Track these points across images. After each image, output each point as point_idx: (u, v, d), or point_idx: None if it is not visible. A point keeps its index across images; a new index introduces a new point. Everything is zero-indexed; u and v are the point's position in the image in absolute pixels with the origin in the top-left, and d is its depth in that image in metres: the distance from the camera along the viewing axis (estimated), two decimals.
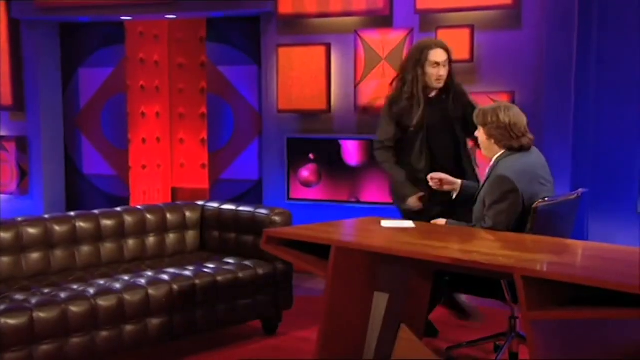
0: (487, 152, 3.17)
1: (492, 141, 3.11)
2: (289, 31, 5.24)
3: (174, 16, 5.56)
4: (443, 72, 3.51)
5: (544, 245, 2.76)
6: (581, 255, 2.64)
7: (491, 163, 3.15)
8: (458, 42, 4.66)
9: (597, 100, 4.44)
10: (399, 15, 4.91)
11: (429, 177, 3.37)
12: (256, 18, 5.37)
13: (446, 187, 3.37)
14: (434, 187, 3.38)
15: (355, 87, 5.03)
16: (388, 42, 4.90)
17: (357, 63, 5.00)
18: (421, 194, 3.49)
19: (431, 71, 3.50)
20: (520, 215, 2.96)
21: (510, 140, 3.07)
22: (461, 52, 4.66)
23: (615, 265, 2.53)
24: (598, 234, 4.18)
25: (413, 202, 3.51)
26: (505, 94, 4.55)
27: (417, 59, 3.52)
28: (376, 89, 4.97)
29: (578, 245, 2.77)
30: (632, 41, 4.40)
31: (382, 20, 4.96)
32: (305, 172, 5.17)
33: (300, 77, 5.16)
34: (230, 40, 5.54)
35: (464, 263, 2.54)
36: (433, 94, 3.57)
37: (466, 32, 4.65)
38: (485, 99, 4.69)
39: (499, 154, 3.11)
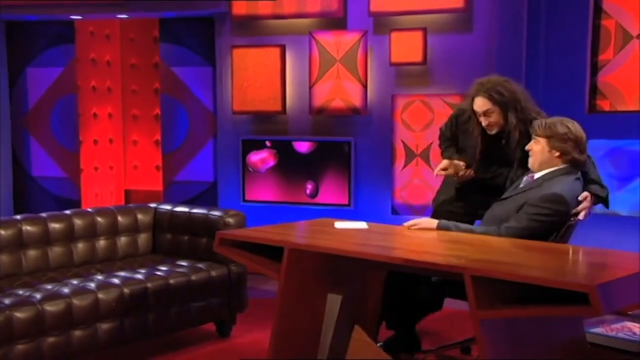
0: (541, 166, 2.98)
1: (555, 154, 2.94)
2: (243, 32, 5.21)
3: (126, 16, 5.47)
4: (486, 121, 3.19)
5: (494, 245, 2.80)
6: (530, 255, 2.69)
7: (542, 173, 2.99)
8: (411, 45, 4.73)
9: (545, 100, 4.55)
10: (352, 17, 4.94)
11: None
12: (210, 19, 5.33)
13: (461, 174, 3.29)
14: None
15: (310, 88, 5.04)
16: (342, 44, 4.93)
17: (312, 65, 5.01)
18: (461, 164, 3.32)
19: (477, 117, 3.22)
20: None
21: (579, 155, 2.94)
22: (414, 55, 4.72)
23: (562, 264, 2.59)
24: None
25: (444, 164, 3.35)
26: (457, 95, 4.61)
27: (470, 103, 3.24)
28: (331, 91, 4.99)
29: (527, 245, 2.82)
30: (580, 44, 4.52)
31: (336, 22, 4.98)
32: (255, 157, 5.15)
33: (254, 78, 5.15)
34: (184, 41, 5.48)
35: (415, 264, 2.57)
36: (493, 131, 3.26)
37: (419, 35, 4.70)
38: (438, 101, 4.76)
39: (555, 168, 2.96)
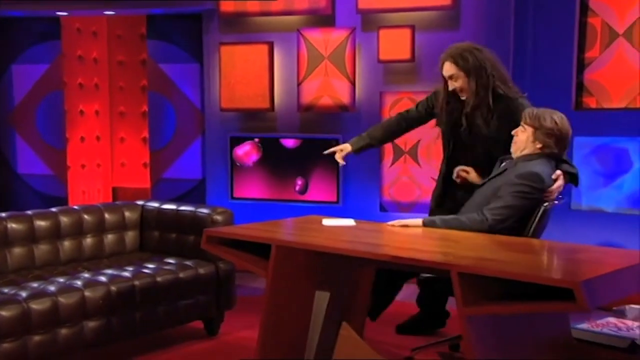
0: (520, 151, 3.05)
1: (537, 145, 3.00)
2: (231, 29, 5.20)
3: (113, 12, 5.44)
4: (452, 86, 3.26)
5: (481, 242, 2.81)
6: (516, 251, 2.70)
7: (517, 155, 3.05)
8: (399, 42, 4.73)
9: (532, 97, 4.58)
10: (340, 14, 4.94)
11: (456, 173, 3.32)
12: (197, 15, 5.31)
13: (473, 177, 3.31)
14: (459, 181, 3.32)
15: (298, 85, 5.03)
16: (330, 41, 4.92)
17: (300, 62, 5.00)
18: (346, 151, 3.54)
19: (448, 83, 3.28)
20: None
21: (560, 151, 3.01)
22: (402, 52, 4.73)
23: (548, 260, 2.60)
24: None
25: (337, 148, 3.56)
26: None
27: (440, 72, 3.30)
28: (319, 88, 4.98)
29: (514, 242, 2.84)
30: (566, 41, 4.55)
31: (324, 19, 4.97)
32: (239, 151, 5.14)
33: (242, 75, 5.13)
34: (172, 37, 5.46)
35: (402, 260, 2.57)
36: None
37: (407, 32, 4.71)
38: None
39: (531, 153, 3.03)
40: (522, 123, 3.07)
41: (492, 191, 3.03)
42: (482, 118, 3.26)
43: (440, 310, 3.71)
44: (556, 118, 3.01)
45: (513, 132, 3.10)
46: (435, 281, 3.19)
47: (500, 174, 3.10)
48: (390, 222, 3.13)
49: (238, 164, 5.18)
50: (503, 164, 3.17)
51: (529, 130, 3.03)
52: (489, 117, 3.25)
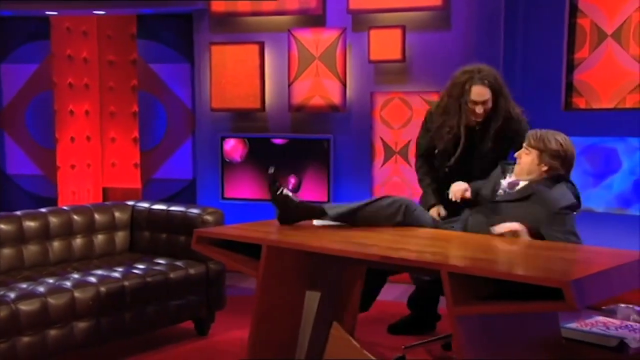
0: (524, 174, 3.01)
1: (543, 167, 2.97)
2: (221, 29, 5.19)
3: (103, 12, 5.42)
4: (481, 110, 3.22)
5: (471, 242, 2.82)
6: (506, 251, 2.71)
7: (523, 178, 3.00)
8: (390, 42, 4.74)
9: (523, 98, 4.60)
10: (331, 14, 4.95)
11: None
12: (188, 15, 5.30)
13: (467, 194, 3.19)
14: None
15: (289, 86, 5.03)
16: (321, 41, 4.93)
17: (291, 62, 5.00)
18: (442, 211, 3.35)
19: (470, 106, 3.22)
20: None
21: (566, 172, 2.99)
22: (393, 52, 4.74)
23: (537, 260, 2.61)
24: None
25: (433, 213, 3.35)
26: (435, 93, 4.63)
27: (459, 92, 3.23)
28: (310, 88, 4.99)
29: (503, 241, 2.85)
30: (556, 42, 4.58)
31: (315, 19, 4.98)
32: (227, 146, 5.14)
33: (233, 75, 5.13)
34: (162, 37, 5.45)
35: (392, 260, 2.58)
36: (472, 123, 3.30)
37: (398, 32, 4.72)
38: (416, 98, 4.78)
39: (541, 176, 2.98)
40: (525, 145, 3.02)
41: (539, 213, 2.90)
42: (491, 137, 3.26)
43: (431, 312, 3.72)
44: (560, 139, 2.98)
45: (516, 155, 3.07)
46: (427, 280, 3.20)
47: (523, 199, 2.97)
48: (497, 228, 2.92)
49: (227, 160, 5.19)
50: (506, 181, 3.07)
51: (534, 152, 2.98)
52: (495, 136, 3.26)
